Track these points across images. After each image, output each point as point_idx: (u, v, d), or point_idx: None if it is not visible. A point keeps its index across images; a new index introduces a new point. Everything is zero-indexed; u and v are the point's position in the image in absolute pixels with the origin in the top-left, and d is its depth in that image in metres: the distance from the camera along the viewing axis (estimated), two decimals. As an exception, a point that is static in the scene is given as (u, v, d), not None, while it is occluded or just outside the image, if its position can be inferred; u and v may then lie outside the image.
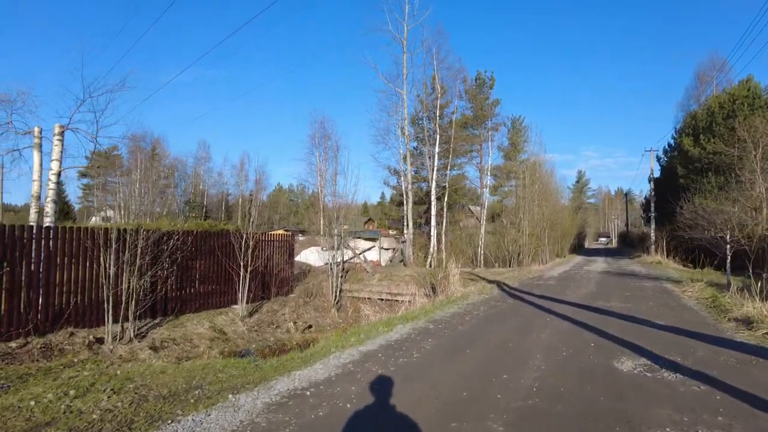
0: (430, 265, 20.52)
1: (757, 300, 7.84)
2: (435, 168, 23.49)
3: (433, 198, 23.22)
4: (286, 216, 69.29)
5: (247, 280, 10.81)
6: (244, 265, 10.74)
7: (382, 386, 4.28)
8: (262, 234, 12.75)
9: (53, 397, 4.09)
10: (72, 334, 7.39)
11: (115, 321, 7.63)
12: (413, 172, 26.56)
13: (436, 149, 23.58)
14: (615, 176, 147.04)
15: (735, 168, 17.25)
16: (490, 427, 3.31)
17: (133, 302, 7.86)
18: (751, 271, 10.30)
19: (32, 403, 3.94)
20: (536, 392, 4.07)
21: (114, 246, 7.66)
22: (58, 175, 8.13)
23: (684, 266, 21.57)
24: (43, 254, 7.20)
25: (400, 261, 22.45)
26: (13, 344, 6.65)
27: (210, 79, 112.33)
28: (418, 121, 28.30)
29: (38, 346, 6.74)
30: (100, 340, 7.48)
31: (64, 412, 3.74)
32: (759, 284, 8.42)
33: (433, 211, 23.26)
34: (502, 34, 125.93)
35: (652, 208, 30.54)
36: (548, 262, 25.98)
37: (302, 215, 54.38)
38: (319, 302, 13.64)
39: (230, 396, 4.11)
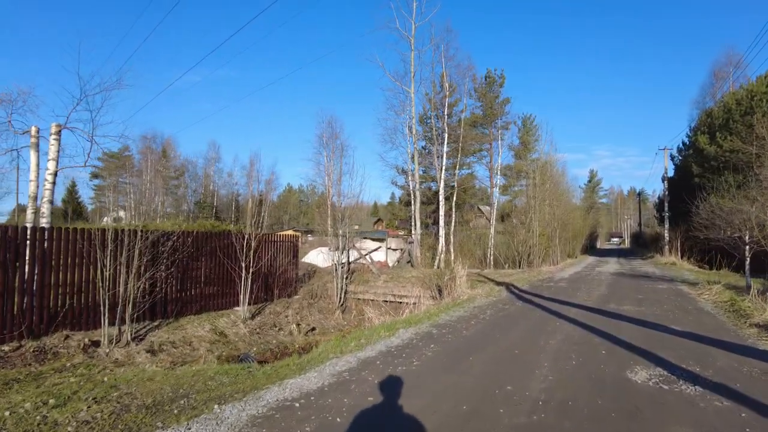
0: (438, 266, 20.20)
1: (780, 304, 7.43)
2: (443, 167, 23.14)
3: (441, 198, 22.88)
4: (296, 216, 69.47)
5: (249, 281, 10.62)
6: (245, 266, 10.55)
7: (376, 398, 4.01)
8: (265, 234, 12.56)
9: (31, 407, 3.90)
10: (67, 337, 7.25)
11: (112, 323, 7.46)
12: (421, 172, 26.23)
13: (445, 148, 23.24)
14: (627, 176, 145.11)
15: (753, 166, 16.67)
16: (490, 446, 3.03)
17: (131, 304, 7.69)
18: (772, 273, 9.85)
19: (7, 413, 3.74)
20: (542, 406, 3.77)
21: (110, 247, 7.50)
22: (55, 175, 8.00)
23: (699, 267, 20.97)
24: (38, 255, 7.06)
25: (408, 262, 22.14)
26: (6, 347, 6.51)
27: (220, 79, 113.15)
28: (426, 119, 28.00)
29: (31, 350, 6.60)
30: (96, 343, 7.32)
31: (39, 424, 3.54)
32: (782, 288, 8.00)
33: (441, 211, 22.91)
34: (512, 33, 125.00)
35: (666, 208, 29.85)
36: (559, 262, 25.48)
37: (312, 216, 54.30)
38: (324, 304, 13.42)
39: (216, 407, 3.88)
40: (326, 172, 28.00)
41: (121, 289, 7.57)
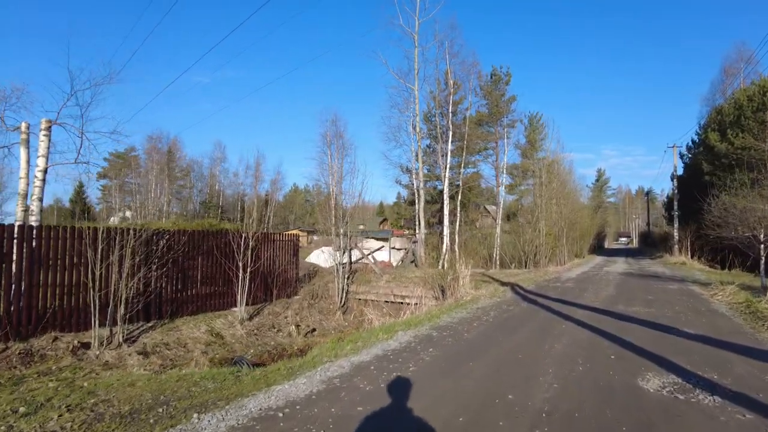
0: (443, 266, 19.87)
1: (800, 306, 7.04)
2: (448, 166, 22.78)
3: (445, 197, 22.53)
4: (301, 216, 69.31)
5: (247, 281, 10.37)
6: (243, 265, 10.31)
7: (365, 408, 3.73)
8: (264, 233, 12.32)
9: (-2, 415, 3.67)
10: (56, 338, 7.04)
11: (104, 325, 7.25)
12: (426, 171, 25.88)
13: (449, 146, 22.89)
14: (635, 175, 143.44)
15: (766, 163, 16.19)
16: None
17: (123, 304, 7.48)
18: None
19: (-29, 423, 3.51)
20: (545, 419, 3.46)
21: (101, 246, 7.29)
22: (45, 171, 7.80)
23: (710, 267, 20.46)
24: (26, 254, 6.86)
25: (412, 262, 21.84)
26: (-9, 349, 6.31)
27: (226, 79, 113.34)
28: (430, 117, 27.58)
29: (17, 352, 6.38)
30: (86, 345, 7.10)
31: (2, 435, 3.31)
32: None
33: (446, 211, 22.56)
34: (518, 31, 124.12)
35: (676, 207, 29.27)
36: (566, 262, 25.04)
37: (317, 215, 54.18)
38: (325, 304, 13.16)
39: (195, 416, 3.62)
40: (330, 171, 27.74)
41: (112, 289, 7.35)
